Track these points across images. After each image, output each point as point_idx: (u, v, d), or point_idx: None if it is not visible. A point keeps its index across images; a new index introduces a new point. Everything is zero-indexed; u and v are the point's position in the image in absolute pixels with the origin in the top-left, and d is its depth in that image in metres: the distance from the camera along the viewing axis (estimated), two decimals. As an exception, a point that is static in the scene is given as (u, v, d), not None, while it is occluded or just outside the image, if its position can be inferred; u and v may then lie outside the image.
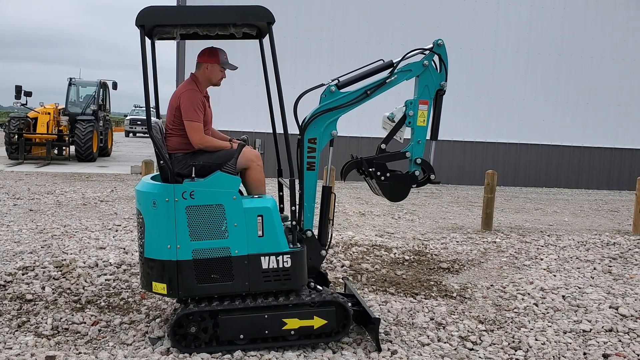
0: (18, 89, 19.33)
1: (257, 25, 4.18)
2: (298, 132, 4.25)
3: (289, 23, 15.54)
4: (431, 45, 4.36)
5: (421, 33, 16.40)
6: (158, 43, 4.53)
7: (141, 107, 42.55)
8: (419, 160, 4.37)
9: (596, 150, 17.36)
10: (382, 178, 4.35)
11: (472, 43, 16.54)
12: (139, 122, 39.54)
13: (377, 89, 4.30)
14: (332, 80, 4.29)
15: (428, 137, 4.41)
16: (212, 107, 4.57)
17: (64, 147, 19.41)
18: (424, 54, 4.35)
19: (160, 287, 3.98)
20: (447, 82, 4.35)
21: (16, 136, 18.24)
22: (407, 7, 16.43)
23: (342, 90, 4.27)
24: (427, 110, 4.34)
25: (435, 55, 4.33)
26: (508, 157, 17.08)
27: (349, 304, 4.25)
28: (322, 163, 4.45)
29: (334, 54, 16.31)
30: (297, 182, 4.16)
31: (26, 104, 19.70)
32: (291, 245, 4.07)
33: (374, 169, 4.34)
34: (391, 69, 4.30)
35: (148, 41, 4.23)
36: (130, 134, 40.67)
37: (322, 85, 4.30)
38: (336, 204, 4.44)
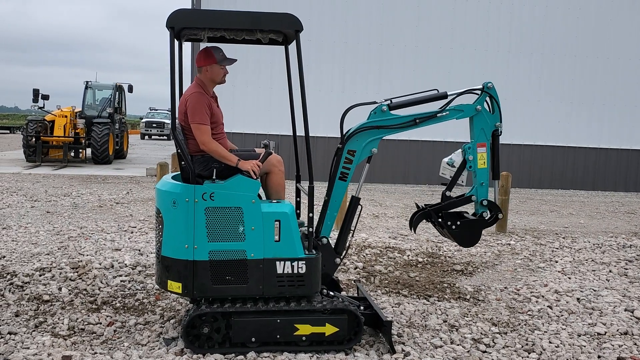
0: (36, 92, 19.59)
1: (284, 32, 4.23)
2: (340, 141, 4.31)
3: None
4: (481, 87, 4.42)
5: (435, 35, 16.38)
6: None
7: (156, 110, 42.80)
8: (485, 202, 4.42)
9: (612, 151, 17.18)
10: (453, 227, 4.41)
11: (486, 44, 16.46)
12: (154, 125, 39.81)
13: (427, 120, 4.35)
14: (385, 100, 4.35)
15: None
16: (227, 110, 4.59)
17: (80, 150, 19.61)
18: (476, 94, 4.42)
19: (175, 285, 4.02)
20: (502, 123, 4.41)
21: (33, 139, 18.48)
22: (420, 8, 16.39)
23: (392, 112, 4.31)
24: (486, 152, 4.40)
25: (487, 95, 4.39)
26: (523, 158, 16.95)
27: (361, 311, 4.26)
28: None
29: (347, 56, 16.31)
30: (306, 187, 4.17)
31: (43, 107, 19.93)
32: (307, 252, 4.09)
33: (443, 220, 4.40)
34: (444, 99, 4.39)
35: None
36: (146, 137, 40.95)
37: (375, 102, 4.37)
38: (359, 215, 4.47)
